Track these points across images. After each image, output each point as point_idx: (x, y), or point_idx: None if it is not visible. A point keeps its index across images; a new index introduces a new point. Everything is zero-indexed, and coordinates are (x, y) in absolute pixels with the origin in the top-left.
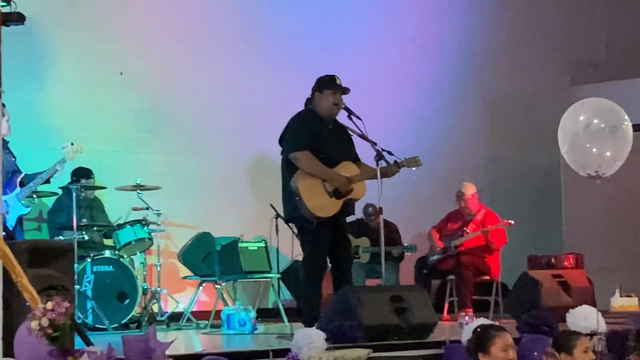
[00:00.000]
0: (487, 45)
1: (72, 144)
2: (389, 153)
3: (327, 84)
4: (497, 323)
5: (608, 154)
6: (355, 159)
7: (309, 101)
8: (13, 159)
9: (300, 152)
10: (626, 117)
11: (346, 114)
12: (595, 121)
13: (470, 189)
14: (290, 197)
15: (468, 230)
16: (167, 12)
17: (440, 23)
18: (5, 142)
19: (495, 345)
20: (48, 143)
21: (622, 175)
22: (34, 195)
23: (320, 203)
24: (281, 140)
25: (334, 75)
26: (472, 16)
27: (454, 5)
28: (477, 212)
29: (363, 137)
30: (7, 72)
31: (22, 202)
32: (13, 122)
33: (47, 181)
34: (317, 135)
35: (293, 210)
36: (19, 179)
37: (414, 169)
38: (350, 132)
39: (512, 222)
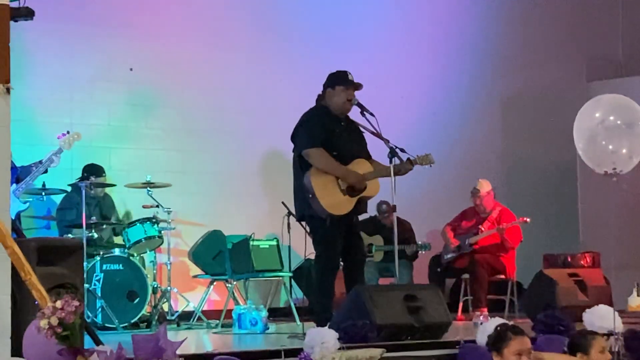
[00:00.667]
0: (502, 41)
1: (67, 132)
2: (402, 150)
3: (339, 79)
4: (513, 323)
5: (624, 151)
6: (368, 157)
7: (320, 97)
8: None
9: (314, 149)
10: None
11: (359, 110)
12: (612, 118)
13: (485, 186)
14: (303, 194)
15: (483, 228)
16: (178, 7)
17: (454, 19)
18: None
19: (510, 348)
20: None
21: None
22: (42, 193)
23: (334, 201)
24: (293, 137)
25: (346, 71)
26: (487, 11)
27: (469, 2)
28: (492, 210)
29: (376, 134)
30: (16, 69)
31: (19, 198)
32: (23, 119)
33: (45, 171)
34: (330, 131)
35: (305, 208)
36: (15, 176)
37: (427, 167)
38: (363, 130)
39: (528, 219)
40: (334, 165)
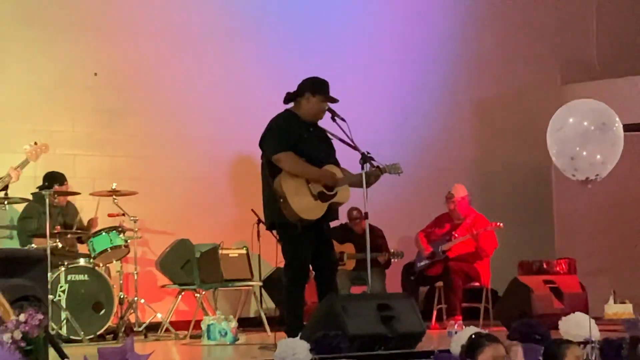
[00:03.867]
0: (474, 44)
1: (35, 143)
2: (371, 158)
3: (321, 89)
4: (488, 332)
5: (598, 157)
6: (336, 165)
7: (290, 96)
8: None
9: (283, 153)
10: (617, 118)
11: (329, 116)
12: (585, 123)
13: (460, 191)
14: (272, 201)
15: (456, 235)
16: (143, 11)
17: (426, 22)
18: None
19: (484, 355)
20: (19, 147)
21: (615, 178)
22: (5, 202)
23: (305, 205)
24: (262, 143)
25: (327, 82)
26: (460, 15)
27: (440, 5)
28: (466, 216)
29: (347, 141)
30: None
31: None
32: None
33: (4, 187)
34: (298, 137)
35: (276, 214)
36: None
37: (396, 175)
38: (331, 136)
39: (501, 224)
40: (306, 167)
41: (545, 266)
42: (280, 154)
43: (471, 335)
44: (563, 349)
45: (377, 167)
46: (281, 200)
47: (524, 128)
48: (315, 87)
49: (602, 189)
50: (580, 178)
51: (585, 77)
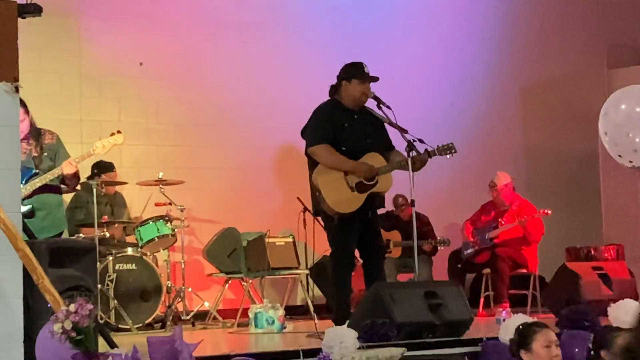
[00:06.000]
0: (520, 28)
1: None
2: (420, 141)
3: (355, 72)
4: (536, 319)
5: None
6: (388, 147)
7: (334, 89)
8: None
9: (318, 146)
10: None
11: (375, 103)
12: (638, 109)
13: (503, 179)
14: (313, 191)
15: (502, 222)
16: (188, 0)
17: (471, 8)
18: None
19: (538, 342)
20: (67, 137)
21: None
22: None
23: (340, 198)
24: (303, 134)
25: (361, 63)
26: (507, 0)
27: None
28: (511, 203)
29: (393, 125)
30: (24, 65)
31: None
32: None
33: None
34: (339, 126)
35: (317, 205)
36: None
37: (445, 158)
38: (380, 118)
39: (549, 211)
40: (341, 160)
41: (593, 252)
42: (315, 146)
43: (518, 327)
44: (613, 336)
45: (426, 150)
46: (317, 193)
47: (571, 113)
48: (348, 73)
49: None
50: (638, 165)
51: (631, 61)
